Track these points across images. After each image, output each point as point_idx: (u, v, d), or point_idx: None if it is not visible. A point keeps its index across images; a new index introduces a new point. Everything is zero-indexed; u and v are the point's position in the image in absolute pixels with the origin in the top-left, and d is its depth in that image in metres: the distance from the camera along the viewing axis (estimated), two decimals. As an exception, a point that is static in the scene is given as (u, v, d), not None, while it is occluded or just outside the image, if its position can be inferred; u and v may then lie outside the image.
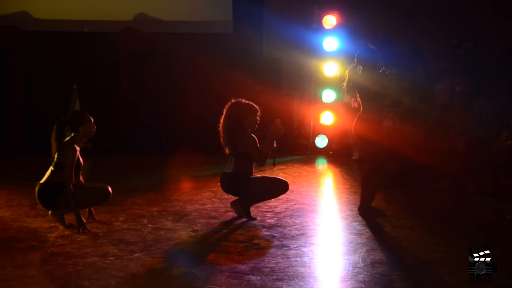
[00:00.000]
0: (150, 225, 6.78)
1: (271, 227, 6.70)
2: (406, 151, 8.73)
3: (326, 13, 12.47)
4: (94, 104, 12.38)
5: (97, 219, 6.94)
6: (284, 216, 7.19)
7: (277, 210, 7.49)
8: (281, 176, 9.81)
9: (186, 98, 12.41)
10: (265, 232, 6.48)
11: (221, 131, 6.96)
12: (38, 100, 12.31)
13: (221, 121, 6.97)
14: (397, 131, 9.38)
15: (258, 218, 7.03)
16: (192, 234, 6.45)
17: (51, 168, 6.59)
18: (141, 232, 6.50)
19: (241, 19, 13.29)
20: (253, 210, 7.29)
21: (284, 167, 10.86)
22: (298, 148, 12.92)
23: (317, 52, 12.58)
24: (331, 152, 12.41)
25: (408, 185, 8.95)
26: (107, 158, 12.06)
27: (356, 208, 7.37)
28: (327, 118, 12.60)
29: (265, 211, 7.41)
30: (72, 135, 6.64)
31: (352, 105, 7.20)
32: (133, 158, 11.85)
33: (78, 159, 6.62)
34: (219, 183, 7.12)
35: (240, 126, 6.88)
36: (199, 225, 6.80)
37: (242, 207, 7.03)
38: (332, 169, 11.03)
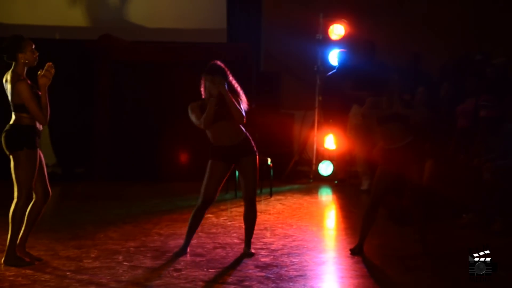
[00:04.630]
0: (125, 263, 6.71)
1: (266, 266, 6.63)
2: (422, 181, 8.67)
3: (333, 22, 12.51)
4: (65, 123, 12.32)
5: (42, 258, 6.71)
6: (281, 254, 7.13)
7: (273, 247, 7.43)
8: (278, 207, 9.79)
9: (172, 117, 12.34)
10: (258, 273, 6.41)
11: None
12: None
13: None
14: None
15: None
16: (174, 274, 6.37)
17: (13, 113, 6.53)
18: (115, 271, 6.43)
19: (237, 27, 13.34)
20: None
21: (282, 197, 10.79)
22: (299, 176, 12.88)
23: (322, 66, 12.60)
24: (336, 182, 12.37)
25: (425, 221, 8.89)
26: (79, 184, 12.00)
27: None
28: (332, 142, 12.58)
29: (259, 248, 7.34)
30: (13, 67, 6.59)
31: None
32: (109, 185, 11.76)
33: (33, 88, 6.56)
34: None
35: None
36: (182, 263, 6.73)
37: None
38: (337, 201, 10.98)
